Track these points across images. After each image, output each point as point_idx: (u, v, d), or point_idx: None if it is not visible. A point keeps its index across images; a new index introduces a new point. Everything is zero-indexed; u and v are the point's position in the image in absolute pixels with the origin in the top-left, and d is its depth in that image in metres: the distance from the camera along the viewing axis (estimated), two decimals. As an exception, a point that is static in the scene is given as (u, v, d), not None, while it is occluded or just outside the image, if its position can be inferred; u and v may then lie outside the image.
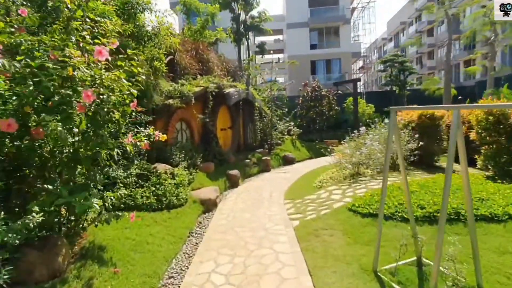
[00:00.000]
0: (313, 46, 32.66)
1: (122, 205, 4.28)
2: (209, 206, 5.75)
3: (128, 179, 4.54)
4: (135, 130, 4.51)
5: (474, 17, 15.63)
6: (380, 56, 57.52)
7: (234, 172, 8.02)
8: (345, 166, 7.22)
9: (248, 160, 10.17)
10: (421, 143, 7.20)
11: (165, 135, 4.78)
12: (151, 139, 3.67)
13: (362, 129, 8.61)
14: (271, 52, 13.49)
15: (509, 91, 14.24)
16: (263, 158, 10.75)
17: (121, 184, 4.42)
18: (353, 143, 8.08)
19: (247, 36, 16.35)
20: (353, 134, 8.58)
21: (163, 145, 6.36)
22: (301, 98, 16.88)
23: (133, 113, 5.24)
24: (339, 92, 12.50)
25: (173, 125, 7.10)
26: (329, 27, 32.59)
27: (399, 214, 4.23)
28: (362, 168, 7.35)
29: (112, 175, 4.27)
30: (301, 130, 15.29)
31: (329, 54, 32.17)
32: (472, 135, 5.99)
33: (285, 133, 14.24)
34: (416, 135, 7.33)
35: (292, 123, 14.96)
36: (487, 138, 5.54)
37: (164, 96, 6.61)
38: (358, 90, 31.89)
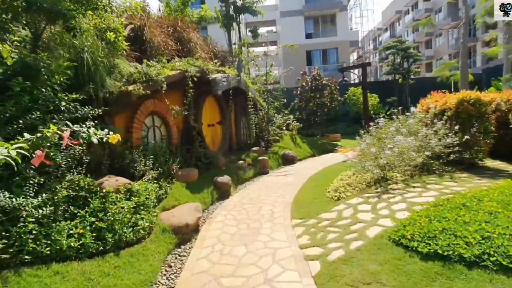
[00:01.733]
0: (308, 36, 30.91)
1: (26, 257, 2.54)
2: (186, 234, 4.03)
3: (44, 209, 2.79)
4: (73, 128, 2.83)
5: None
6: (375, 47, 55.98)
7: (224, 179, 6.31)
8: (367, 168, 5.53)
9: (241, 162, 8.46)
10: (466, 137, 5.56)
11: (117, 135, 3.10)
12: (55, 143, 1.94)
13: (381, 120, 6.93)
14: (267, 36, 11.75)
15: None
16: (260, 158, 9.05)
17: (29, 219, 2.68)
18: (370, 138, 6.41)
19: (238, 20, 14.51)
20: (370, 127, 6.93)
21: (122, 149, 4.62)
22: (299, 88, 15.16)
23: (62, 103, 3.51)
24: (345, 80, 10.85)
25: (140, 120, 5.34)
26: (325, 14, 30.82)
27: (492, 259, 2.56)
28: (388, 170, 5.69)
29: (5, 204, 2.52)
30: (301, 124, 13.60)
31: (326, 43, 30.46)
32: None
33: (284, 128, 12.54)
34: (456, 127, 5.69)
35: (292, 117, 13.26)
36: None
37: (125, 81, 4.84)
38: (357, 80, 30.15)
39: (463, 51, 12.88)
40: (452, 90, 17.74)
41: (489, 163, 6.30)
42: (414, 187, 4.86)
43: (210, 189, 5.91)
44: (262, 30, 36.33)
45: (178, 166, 5.53)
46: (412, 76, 21.36)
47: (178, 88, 6.29)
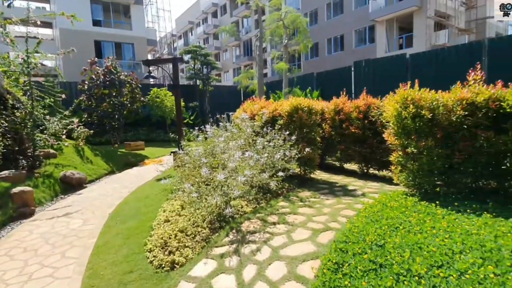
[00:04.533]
0: (97, 23, 25.80)
1: None
2: None
3: None
4: None
5: (271, 19, 16.16)
6: (171, 53, 56.43)
7: None
8: (210, 203, 3.72)
9: (-31, 203, 4.52)
10: (307, 149, 4.94)
11: None
12: None
13: (209, 128, 5.43)
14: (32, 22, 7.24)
15: (301, 92, 15.53)
16: (15, 190, 5.32)
17: None
18: (204, 153, 4.75)
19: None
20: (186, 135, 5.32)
21: None
22: (86, 82, 11.37)
23: None
24: (153, 76, 8.62)
25: None
26: (117, 2, 26.77)
27: None
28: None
29: None
30: (91, 131, 10.05)
31: (120, 36, 26.54)
32: (388, 137, 4.25)
33: (63, 136, 8.67)
34: (293, 137, 5.00)
35: (76, 120, 9.49)
36: (416, 142, 3.76)
37: None
38: (163, 80, 28.27)
39: (259, 63, 13.95)
40: (242, 99, 19.39)
41: (314, 175, 6.13)
42: (273, 223, 3.55)
43: None
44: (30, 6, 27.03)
45: None
46: (211, 83, 21.90)
47: None
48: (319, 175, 6.06)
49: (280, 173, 4.16)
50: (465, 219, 2.87)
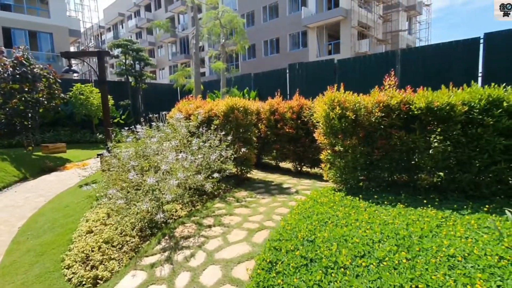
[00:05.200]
0: (6, 7, 22.35)
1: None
2: None
3: None
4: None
5: (208, 17, 15.92)
6: (98, 46, 51.71)
7: None
8: (140, 209, 3.45)
9: None
10: (243, 149, 4.94)
11: None
12: None
13: (140, 128, 5.08)
14: None
15: (239, 92, 15.65)
16: None
17: None
18: (135, 155, 4.42)
19: None
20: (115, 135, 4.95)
21: None
22: (-10, 75, 9.69)
23: None
24: (74, 70, 7.66)
25: None
26: (29, -15, 23.52)
27: None
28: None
29: None
30: (-4, 131, 8.61)
31: (35, 24, 23.37)
32: (318, 136, 4.46)
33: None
34: (229, 137, 4.96)
35: (-26, 119, 8.02)
36: (342, 141, 4.04)
37: None
38: (84, 77, 25.85)
39: (196, 61, 13.62)
40: (179, 98, 18.75)
41: (250, 174, 6.17)
42: (209, 226, 3.45)
43: None
44: None
45: None
46: (145, 81, 20.65)
47: None
48: (256, 174, 6.14)
49: (216, 174, 4.09)
50: (383, 210, 3.18)
